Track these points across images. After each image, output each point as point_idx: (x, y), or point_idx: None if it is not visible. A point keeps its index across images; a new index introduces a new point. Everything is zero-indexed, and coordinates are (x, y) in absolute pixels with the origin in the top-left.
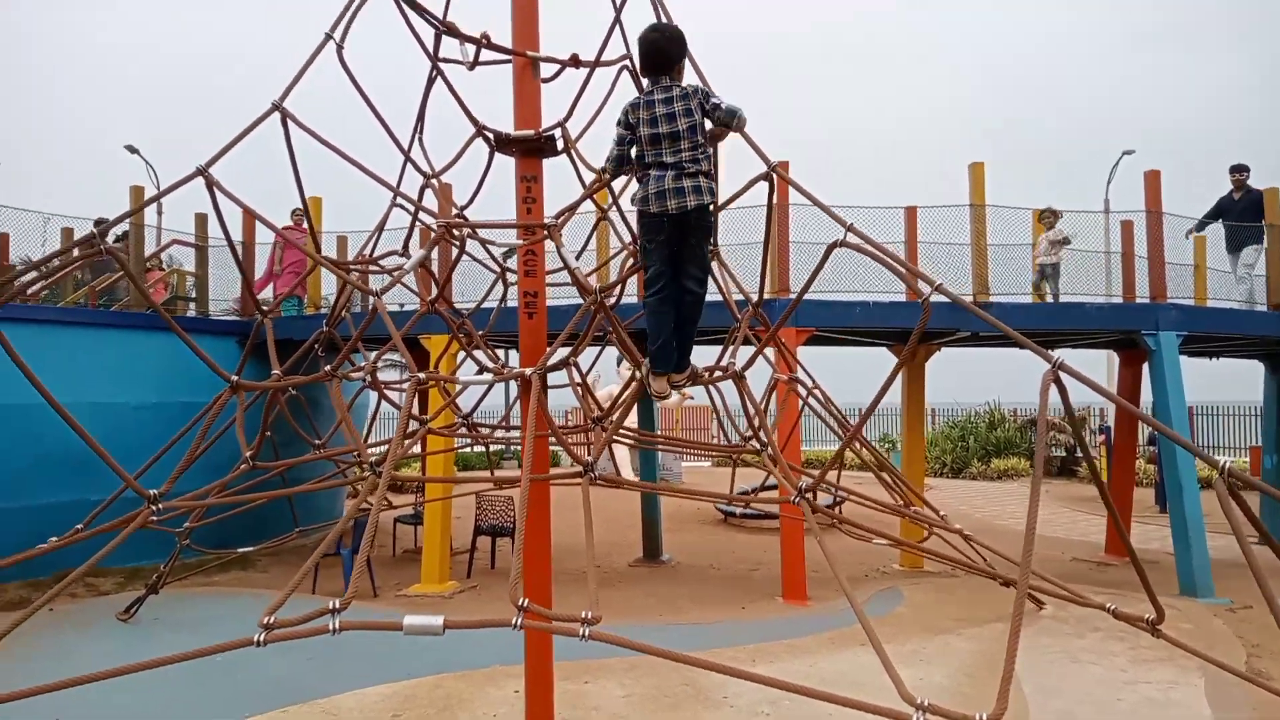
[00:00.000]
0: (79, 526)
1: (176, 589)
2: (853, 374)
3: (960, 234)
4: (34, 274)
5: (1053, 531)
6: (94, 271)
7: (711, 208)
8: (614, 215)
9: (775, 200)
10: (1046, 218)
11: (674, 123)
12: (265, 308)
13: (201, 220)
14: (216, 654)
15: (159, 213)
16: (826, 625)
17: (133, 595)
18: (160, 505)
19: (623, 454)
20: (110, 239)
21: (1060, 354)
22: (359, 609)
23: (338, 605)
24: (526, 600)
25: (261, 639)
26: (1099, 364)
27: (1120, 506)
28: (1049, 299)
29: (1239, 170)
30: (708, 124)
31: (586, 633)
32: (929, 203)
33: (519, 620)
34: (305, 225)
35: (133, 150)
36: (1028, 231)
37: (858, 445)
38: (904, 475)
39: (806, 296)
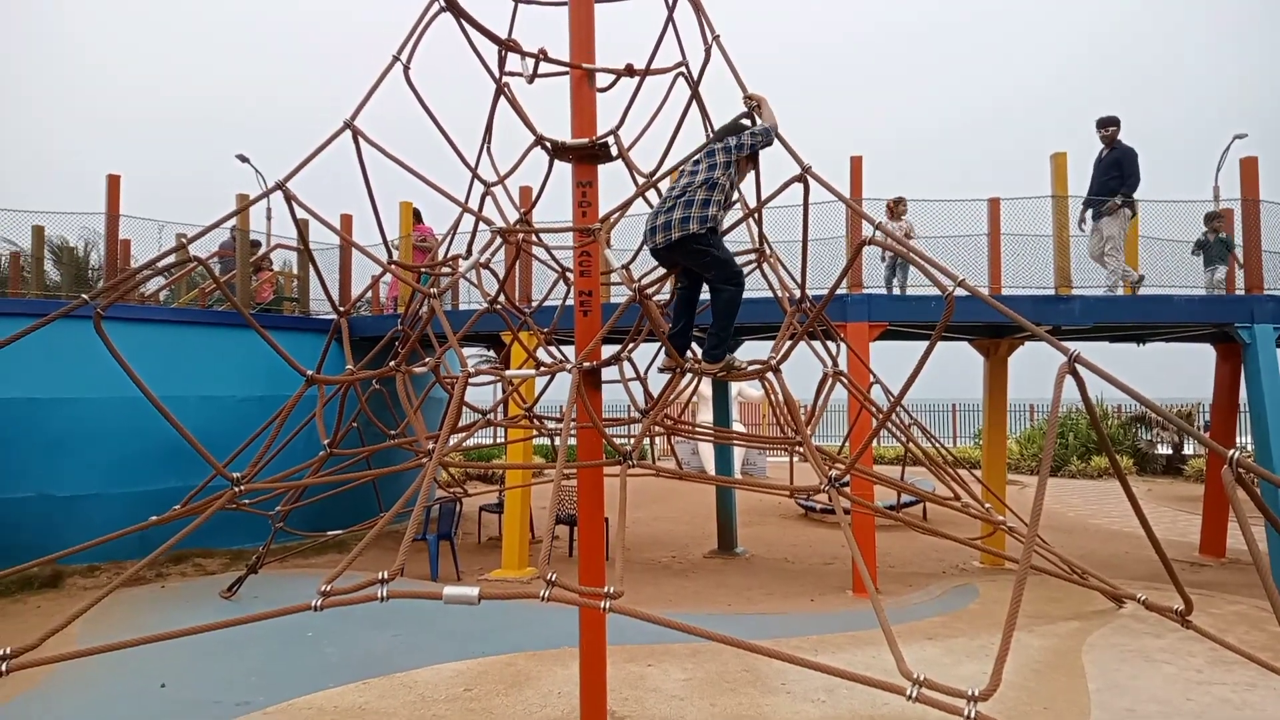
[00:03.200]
0: (176, 507)
1: (276, 570)
2: (937, 370)
3: (1045, 226)
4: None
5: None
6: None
7: (709, 230)
8: None
9: (809, 200)
10: (891, 207)
11: (695, 171)
12: (343, 308)
13: (304, 226)
14: (278, 617)
15: (268, 218)
16: (894, 619)
17: (236, 575)
18: (242, 488)
19: (707, 449)
20: (218, 246)
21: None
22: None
23: (386, 576)
24: (555, 575)
25: (319, 604)
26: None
27: (1218, 505)
28: (897, 290)
29: (1105, 124)
30: (729, 170)
31: (608, 605)
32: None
33: (546, 593)
34: (425, 228)
35: (244, 160)
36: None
37: (922, 440)
38: (985, 472)
39: (880, 291)
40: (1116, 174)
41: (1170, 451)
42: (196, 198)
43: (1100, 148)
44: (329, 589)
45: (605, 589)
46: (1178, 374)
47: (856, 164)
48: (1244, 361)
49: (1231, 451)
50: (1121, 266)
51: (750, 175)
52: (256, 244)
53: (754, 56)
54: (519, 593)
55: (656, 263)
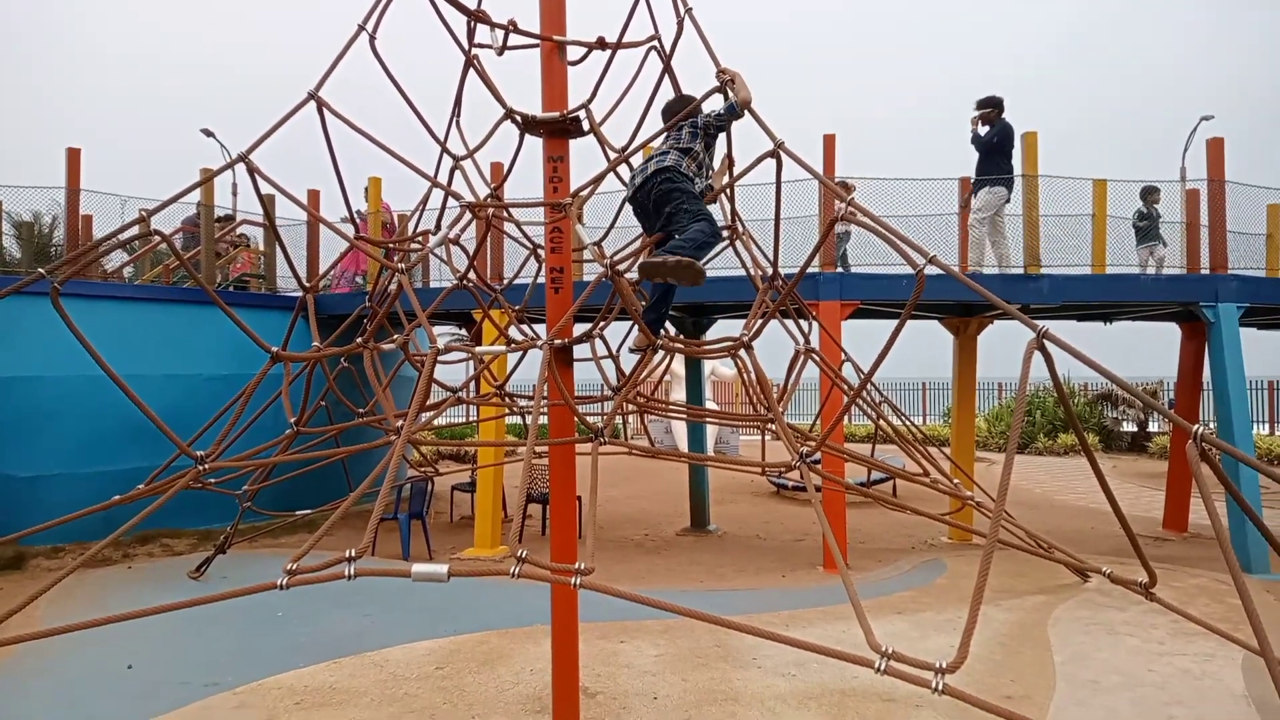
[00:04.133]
0: (140, 486)
1: (245, 549)
2: (907, 348)
3: (1017, 205)
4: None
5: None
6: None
7: (681, 175)
8: None
9: (781, 177)
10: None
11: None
12: (308, 284)
13: (270, 201)
14: (242, 597)
15: (234, 194)
16: (864, 594)
17: (204, 555)
18: (207, 466)
19: (680, 428)
20: (181, 220)
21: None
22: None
23: (354, 554)
24: (525, 551)
25: (284, 583)
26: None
27: (1181, 480)
28: (838, 268)
29: (984, 104)
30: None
31: (578, 581)
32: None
33: (516, 569)
34: (382, 203)
35: (209, 134)
36: (1088, 202)
37: (892, 418)
38: (953, 449)
39: (853, 269)
40: (1002, 155)
41: (1135, 429)
42: (165, 174)
43: (983, 128)
44: (295, 567)
45: (576, 565)
46: (1143, 352)
47: (829, 141)
48: (1208, 340)
49: (1196, 427)
50: (995, 241)
51: (721, 152)
52: (230, 218)
53: (731, 26)
54: (488, 570)
55: (636, 220)
